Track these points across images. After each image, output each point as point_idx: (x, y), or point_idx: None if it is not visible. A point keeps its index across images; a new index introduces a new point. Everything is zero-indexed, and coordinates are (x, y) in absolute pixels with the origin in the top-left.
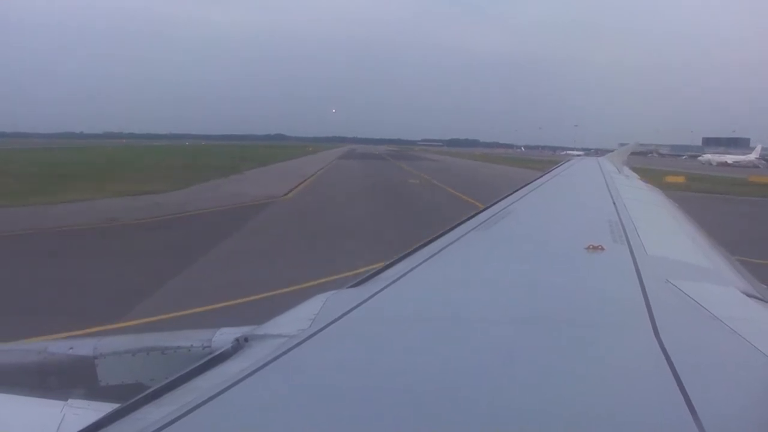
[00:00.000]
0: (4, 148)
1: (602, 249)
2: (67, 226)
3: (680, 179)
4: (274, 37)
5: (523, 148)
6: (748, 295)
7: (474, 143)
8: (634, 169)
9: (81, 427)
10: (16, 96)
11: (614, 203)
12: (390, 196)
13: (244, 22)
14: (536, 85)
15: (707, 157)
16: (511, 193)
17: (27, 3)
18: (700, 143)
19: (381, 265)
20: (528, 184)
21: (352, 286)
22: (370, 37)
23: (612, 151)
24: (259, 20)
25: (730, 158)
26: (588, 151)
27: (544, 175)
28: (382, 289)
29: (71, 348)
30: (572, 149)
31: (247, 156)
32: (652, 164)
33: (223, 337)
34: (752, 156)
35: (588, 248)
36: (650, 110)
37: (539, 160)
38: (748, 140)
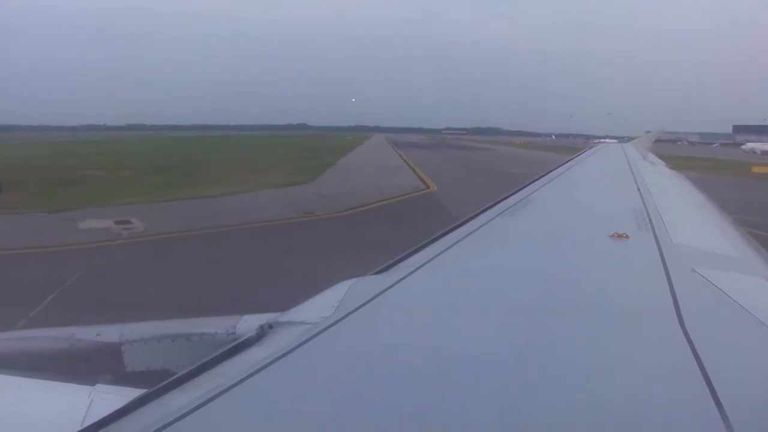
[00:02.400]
0: (53, 141)
1: (627, 237)
2: (278, 221)
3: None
4: (295, 30)
5: (553, 137)
6: None
7: (497, 132)
8: (695, 161)
9: (108, 412)
10: (40, 89)
11: (639, 190)
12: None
13: (262, 15)
14: (559, 74)
15: (751, 145)
16: (536, 180)
17: None
18: (729, 131)
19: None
20: (552, 170)
21: (375, 274)
22: (392, 26)
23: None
24: (279, 14)
25: None
26: (621, 139)
27: (568, 161)
28: (405, 277)
29: (98, 335)
30: (605, 137)
31: (308, 146)
32: (698, 153)
33: (248, 324)
34: None
35: (613, 236)
36: (680, 98)
37: (582, 148)
38: None
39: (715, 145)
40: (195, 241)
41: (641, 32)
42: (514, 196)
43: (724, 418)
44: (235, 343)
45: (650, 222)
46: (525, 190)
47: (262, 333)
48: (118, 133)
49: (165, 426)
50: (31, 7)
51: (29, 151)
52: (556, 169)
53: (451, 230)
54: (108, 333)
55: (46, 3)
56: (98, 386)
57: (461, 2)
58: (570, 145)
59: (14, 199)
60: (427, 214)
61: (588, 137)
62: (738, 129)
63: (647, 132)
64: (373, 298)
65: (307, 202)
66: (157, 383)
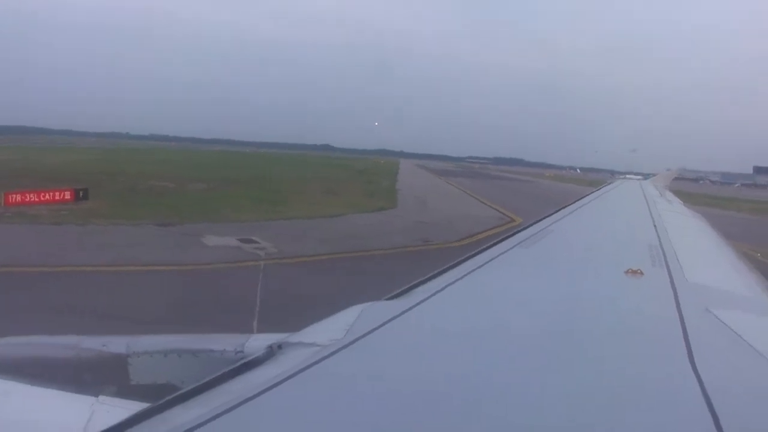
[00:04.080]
0: (86, 146)
1: (641, 274)
2: (405, 248)
3: None
4: (324, 55)
5: (578, 170)
6: None
7: (518, 162)
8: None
9: (109, 425)
10: (63, 93)
11: (655, 227)
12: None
13: (290, 37)
14: (582, 108)
15: None
16: (553, 213)
17: (73, 6)
18: (750, 171)
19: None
20: (570, 204)
21: (388, 299)
22: (418, 55)
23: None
24: (308, 36)
25: None
26: (646, 176)
27: (585, 196)
28: (417, 303)
29: (104, 345)
30: (628, 173)
31: (351, 167)
32: (733, 194)
33: (257, 343)
34: None
35: (627, 272)
36: (702, 137)
37: (609, 182)
38: None
39: (736, 185)
40: (344, 265)
41: (668, 72)
42: (531, 227)
43: None
44: (242, 362)
45: (665, 259)
46: (543, 222)
47: (271, 353)
48: (144, 142)
49: None
50: (54, 12)
51: (76, 157)
52: (574, 203)
53: (467, 259)
54: (115, 344)
55: (68, 8)
56: (101, 397)
57: (485, 33)
58: (598, 180)
59: (106, 209)
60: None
61: (613, 172)
62: (759, 170)
63: (667, 170)
64: (384, 323)
65: (413, 229)
66: (161, 398)
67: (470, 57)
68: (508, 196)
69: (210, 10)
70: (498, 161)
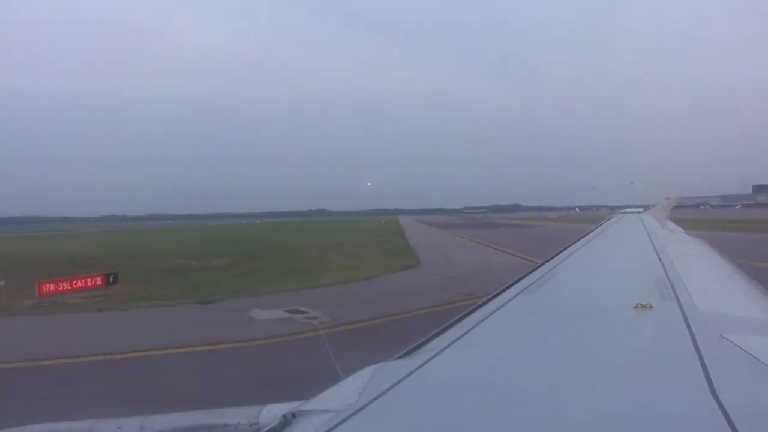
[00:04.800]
0: (95, 231)
1: (650, 307)
2: (454, 303)
3: None
4: (312, 121)
5: (577, 209)
6: None
7: (516, 208)
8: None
9: None
10: (59, 181)
11: (660, 259)
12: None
13: (287, 106)
14: (574, 147)
15: None
16: (555, 255)
17: (55, 93)
18: (749, 191)
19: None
20: (571, 245)
21: (398, 358)
22: (406, 108)
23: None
24: (303, 103)
25: None
26: (646, 208)
27: (586, 235)
28: (429, 360)
29: (119, 427)
30: (629, 206)
31: (360, 230)
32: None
33: (271, 413)
34: None
35: (636, 307)
36: (697, 161)
37: (610, 218)
38: None
39: (737, 207)
40: (406, 326)
41: (658, 101)
42: (535, 272)
43: None
44: None
45: (673, 290)
46: (546, 265)
47: (286, 422)
48: (144, 222)
49: None
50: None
51: (86, 242)
52: (575, 242)
53: (475, 309)
54: (128, 425)
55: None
56: None
57: (470, 79)
58: (599, 216)
59: (139, 291)
60: None
61: (612, 207)
62: (759, 189)
63: (666, 199)
64: (398, 383)
65: (450, 285)
66: None
67: (458, 107)
68: (520, 241)
69: (189, 83)
70: (496, 209)
